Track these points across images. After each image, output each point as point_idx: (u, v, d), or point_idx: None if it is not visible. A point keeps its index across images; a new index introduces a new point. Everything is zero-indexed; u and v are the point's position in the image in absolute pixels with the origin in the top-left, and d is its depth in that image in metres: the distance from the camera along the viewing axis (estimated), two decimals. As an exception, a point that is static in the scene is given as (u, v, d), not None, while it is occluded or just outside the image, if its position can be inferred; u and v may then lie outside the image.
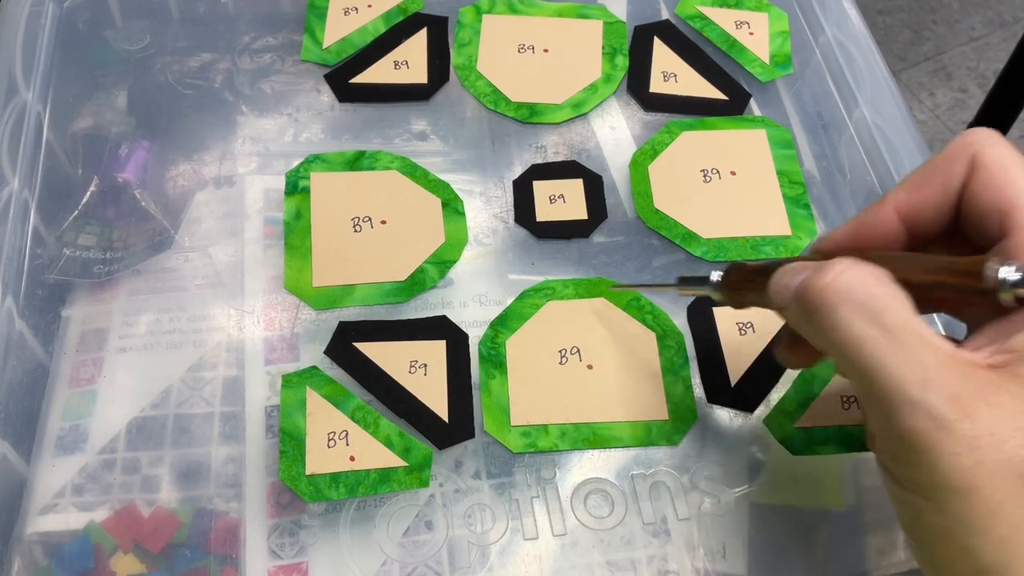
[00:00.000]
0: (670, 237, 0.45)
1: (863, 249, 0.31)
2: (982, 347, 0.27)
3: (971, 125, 1.02)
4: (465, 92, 0.50)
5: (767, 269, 0.32)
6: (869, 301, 0.26)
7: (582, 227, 0.46)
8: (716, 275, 0.35)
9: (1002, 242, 0.28)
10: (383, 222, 0.45)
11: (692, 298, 0.43)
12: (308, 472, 0.38)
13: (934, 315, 0.43)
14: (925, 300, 0.27)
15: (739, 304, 0.35)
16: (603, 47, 0.52)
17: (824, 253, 0.33)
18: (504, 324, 0.42)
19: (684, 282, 0.37)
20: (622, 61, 0.52)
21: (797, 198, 0.47)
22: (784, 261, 0.32)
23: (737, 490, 0.38)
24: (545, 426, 0.39)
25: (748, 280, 0.33)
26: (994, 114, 0.99)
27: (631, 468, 0.39)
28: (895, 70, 1.56)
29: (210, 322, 0.42)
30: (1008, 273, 0.26)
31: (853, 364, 0.26)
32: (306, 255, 0.43)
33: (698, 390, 0.41)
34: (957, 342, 0.28)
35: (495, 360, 0.41)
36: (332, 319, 0.42)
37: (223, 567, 0.36)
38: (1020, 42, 0.91)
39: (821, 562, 0.37)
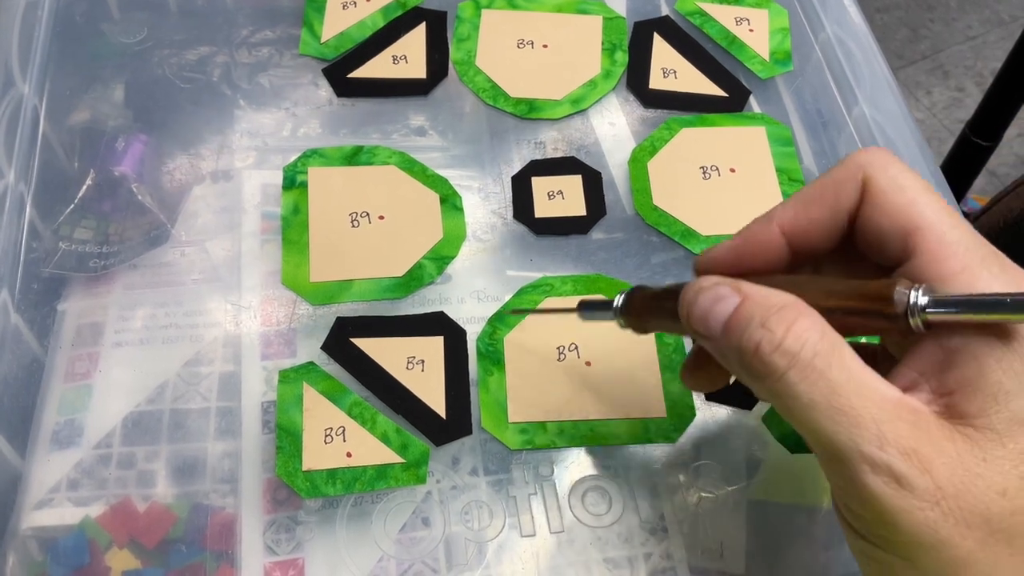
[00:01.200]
0: (669, 234, 0.45)
1: (745, 267, 0.31)
2: (918, 386, 0.26)
3: (969, 123, 1.02)
4: (464, 87, 0.50)
5: (671, 292, 0.31)
6: (816, 358, 0.25)
7: (581, 223, 0.45)
8: (619, 299, 0.34)
9: (906, 264, 0.27)
10: (381, 217, 0.44)
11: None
12: (305, 468, 0.37)
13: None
14: (833, 325, 0.27)
15: (642, 330, 0.34)
16: (603, 43, 0.52)
17: (704, 269, 0.32)
18: (502, 320, 0.42)
19: (585, 307, 0.36)
20: (622, 57, 0.52)
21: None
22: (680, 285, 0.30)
23: (735, 487, 0.38)
24: (543, 423, 0.39)
25: (652, 305, 0.32)
26: (991, 113, 0.99)
27: (629, 465, 0.39)
28: (892, 68, 1.56)
29: (207, 317, 0.42)
30: (917, 297, 0.25)
31: (805, 425, 0.26)
32: (303, 250, 0.43)
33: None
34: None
35: (493, 357, 0.41)
36: (329, 314, 0.42)
37: (219, 563, 0.36)
38: (1018, 41, 0.91)
39: (819, 560, 0.37)
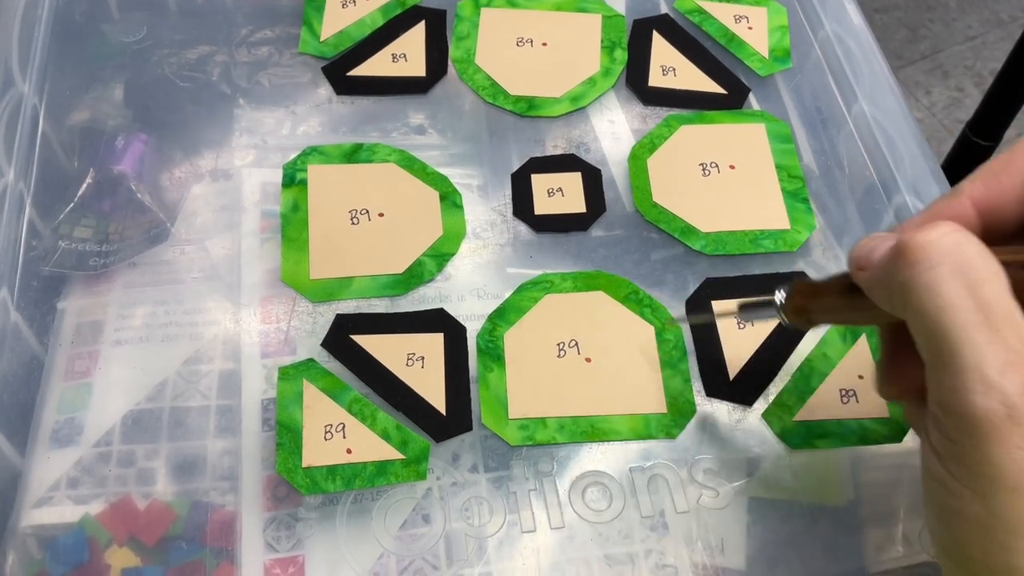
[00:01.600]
0: (669, 231, 0.45)
1: None
2: None
3: (970, 124, 1.01)
4: (463, 85, 0.50)
5: (829, 283, 0.31)
6: (969, 269, 0.25)
7: (580, 220, 0.45)
8: (780, 295, 0.34)
9: None
10: (381, 215, 0.44)
11: (688, 293, 0.43)
12: (305, 465, 0.37)
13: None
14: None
15: (806, 321, 0.33)
16: (602, 41, 0.52)
17: (860, 259, 0.31)
18: (502, 317, 0.42)
19: (746, 308, 0.36)
20: (621, 55, 0.52)
21: (796, 192, 0.46)
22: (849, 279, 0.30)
23: (736, 484, 0.38)
24: (543, 419, 0.39)
25: (815, 297, 0.32)
26: (991, 113, 0.99)
27: (629, 462, 0.39)
28: (892, 68, 1.56)
29: (206, 315, 0.42)
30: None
31: (937, 329, 0.25)
32: (303, 248, 0.43)
33: (697, 384, 0.41)
34: None
35: (493, 353, 0.41)
36: (329, 312, 0.42)
37: (219, 560, 0.36)
38: (1018, 41, 0.90)
39: (820, 557, 0.37)
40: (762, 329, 0.42)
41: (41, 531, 0.36)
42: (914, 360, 0.29)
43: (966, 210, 0.29)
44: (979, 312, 0.24)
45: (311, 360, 0.40)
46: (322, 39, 0.51)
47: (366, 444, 0.38)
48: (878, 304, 0.28)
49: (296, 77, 0.50)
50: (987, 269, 0.25)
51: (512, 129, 0.49)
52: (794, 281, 0.34)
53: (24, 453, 0.38)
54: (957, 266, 0.25)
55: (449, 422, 0.39)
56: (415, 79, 0.50)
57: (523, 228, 0.45)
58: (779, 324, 0.37)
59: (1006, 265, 0.26)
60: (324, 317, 0.42)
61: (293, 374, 0.40)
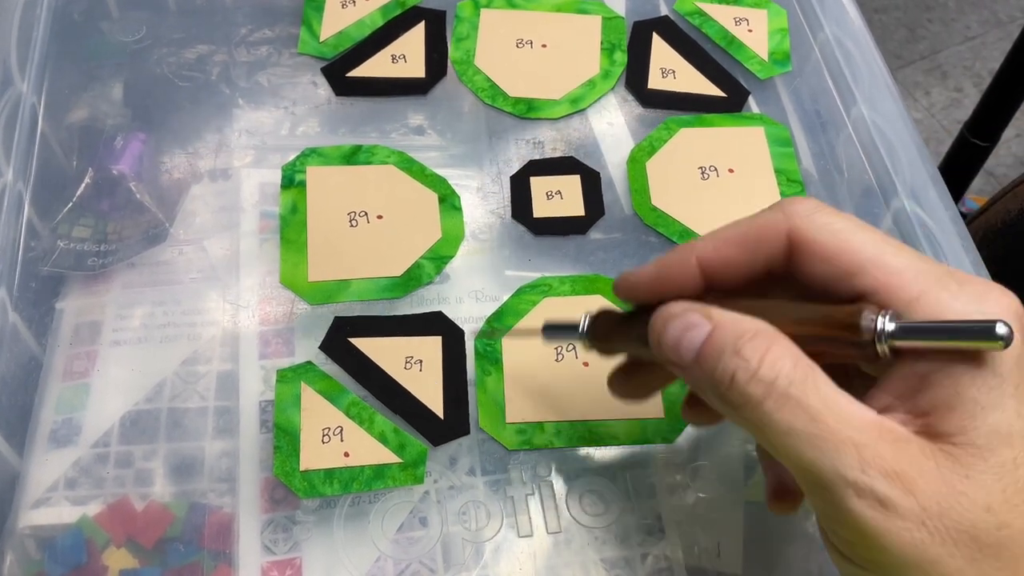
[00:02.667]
0: (667, 234, 0.45)
1: (662, 293, 0.30)
2: (894, 408, 0.26)
3: (967, 124, 1.02)
4: (463, 87, 0.50)
5: (636, 315, 0.31)
6: (792, 387, 0.25)
7: (579, 223, 0.45)
8: (584, 322, 0.33)
9: (860, 303, 0.27)
10: (379, 217, 0.44)
11: None
12: (302, 468, 0.37)
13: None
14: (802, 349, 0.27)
15: (608, 352, 0.33)
16: (602, 43, 0.52)
17: (624, 293, 0.32)
18: (500, 320, 0.42)
19: (549, 330, 0.35)
20: (620, 57, 0.52)
21: (794, 196, 0.46)
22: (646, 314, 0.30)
23: (732, 488, 0.38)
24: (540, 423, 0.39)
25: (619, 329, 0.32)
26: (989, 113, 0.99)
27: (626, 466, 0.39)
28: (891, 69, 1.56)
29: (205, 316, 0.42)
30: (884, 324, 0.25)
31: (785, 454, 0.25)
32: (302, 249, 0.43)
33: (694, 388, 0.41)
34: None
35: (491, 357, 0.41)
36: (327, 314, 0.42)
37: (216, 562, 0.36)
38: (1016, 41, 0.91)
39: (815, 560, 0.37)
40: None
41: (39, 532, 0.36)
42: (650, 375, 0.32)
43: (692, 269, 0.30)
44: (815, 427, 0.25)
45: (309, 363, 0.40)
46: (321, 39, 0.51)
47: (364, 447, 0.38)
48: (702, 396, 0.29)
49: (295, 77, 0.50)
50: (801, 375, 0.25)
51: (511, 131, 0.49)
52: (600, 310, 0.33)
53: (22, 454, 0.38)
54: (779, 394, 0.25)
55: (447, 426, 0.39)
56: (414, 80, 0.50)
57: (522, 231, 0.45)
58: None
59: (800, 339, 0.26)
60: (322, 319, 0.42)
61: (291, 377, 0.40)
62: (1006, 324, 0.24)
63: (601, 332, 0.33)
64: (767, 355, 0.26)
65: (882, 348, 0.25)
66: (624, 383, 0.35)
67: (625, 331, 0.32)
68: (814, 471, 0.25)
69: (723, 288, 0.31)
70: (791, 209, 0.29)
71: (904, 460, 0.24)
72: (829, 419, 0.25)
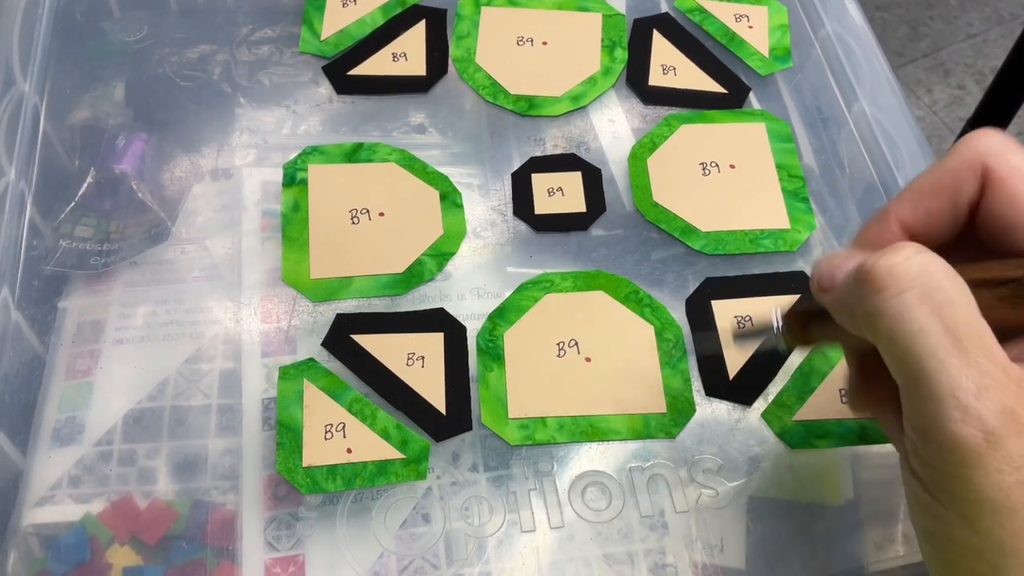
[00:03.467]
0: (669, 230, 0.45)
1: None
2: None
3: (969, 122, 1.01)
4: (464, 84, 0.50)
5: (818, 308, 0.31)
6: (937, 292, 0.24)
7: (580, 220, 0.45)
8: (776, 318, 0.33)
9: None
10: (381, 214, 0.45)
11: (688, 293, 0.43)
12: (305, 464, 0.37)
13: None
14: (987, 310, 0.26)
15: (805, 341, 0.33)
16: (602, 40, 0.52)
17: (830, 279, 0.30)
18: (502, 317, 0.42)
19: (741, 339, 0.37)
20: (621, 54, 0.52)
21: (796, 192, 0.47)
22: None
23: (735, 483, 0.38)
24: (543, 419, 0.39)
25: (812, 315, 0.32)
26: (992, 111, 0.99)
27: (629, 461, 0.39)
28: (893, 66, 1.56)
29: (207, 314, 0.42)
30: None
31: (908, 356, 0.24)
32: (304, 247, 0.43)
33: (696, 383, 0.41)
34: None
35: (493, 353, 0.41)
36: (329, 311, 0.42)
37: (220, 559, 0.36)
38: (1019, 39, 0.90)
39: (819, 556, 0.37)
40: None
41: (43, 530, 0.36)
42: (885, 377, 0.29)
43: (894, 234, 0.29)
44: (949, 336, 0.24)
45: (311, 360, 0.40)
46: (323, 38, 0.51)
47: (366, 443, 0.38)
48: (843, 327, 0.28)
49: (297, 76, 0.50)
50: (955, 290, 0.25)
51: (512, 128, 0.49)
52: (794, 303, 0.33)
53: (25, 452, 0.38)
54: (924, 290, 0.24)
55: (449, 421, 0.39)
56: (415, 78, 0.50)
57: (523, 227, 0.45)
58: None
59: (973, 285, 0.25)
60: (324, 316, 0.42)
61: (293, 374, 0.40)
62: None
63: (797, 322, 0.32)
64: (922, 254, 0.25)
65: None
66: (858, 397, 0.32)
67: (819, 315, 0.31)
68: (930, 381, 0.24)
69: (930, 246, 0.29)
70: (983, 146, 0.28)
71: (1022, 400, 0.24)
72: (964, 337, 0.24)
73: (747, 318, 0.42)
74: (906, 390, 0.25)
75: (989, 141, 0.28)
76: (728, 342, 0.42)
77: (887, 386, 0.29)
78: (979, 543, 0.24)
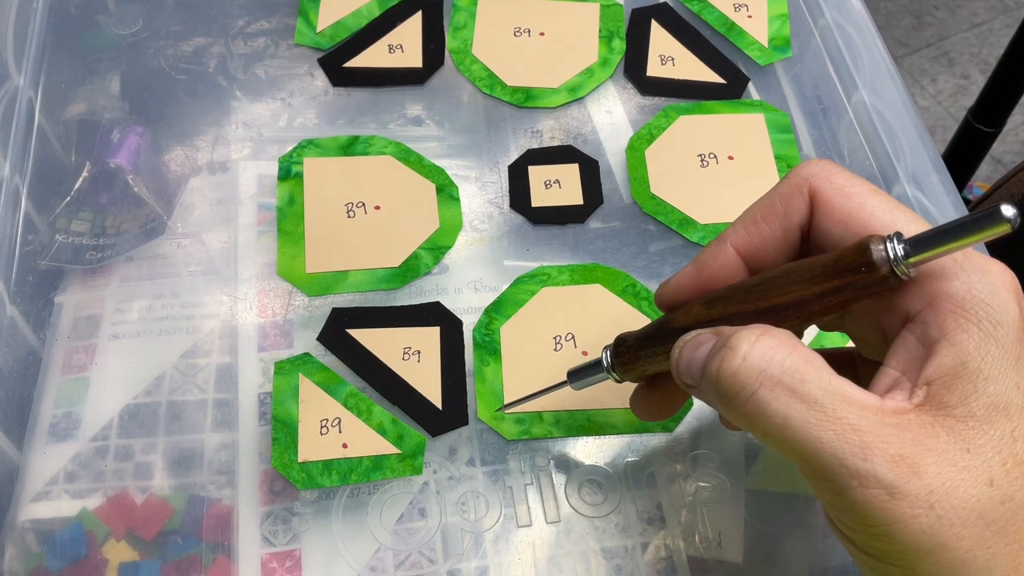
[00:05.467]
0: (667, 222, 0.45)
1: (705, 291, 0.30)
2: (897, 386, 0.26)
3: (972, 110, 1.01)
4: (460, 76, 0.50)
5: (654, 335, 0.31)
6: (786, 375, 0.25)
7: (578, 212, 0.45)
8: (606, 356, 0.33)
9: (865, 237, 0.27)
10: (377, 208, 0.44)
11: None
12: (300, 459, 0.37)
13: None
14: (829, 305, 0.27)
15: (638, 376, 0.33)
16: (600, 30, 0.52)
17: (667, 299, 0.32)
18: (498, 310, 0.42)
19: (575, 375, 0.35)
20: (619, 45, 0.51)
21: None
22: (664, 326, 0.30)
23: (733, 477, 0.38)
24: (539, 413, 0.39)
25: (639, 352, 0.32)
26: (995, 100, 0.98)
27: (626, 455, 0.39)
28: (896, 56, 1.55)
29: (203, 309, 0.42)
30: (895, 248, 0.25)
31: (785, 445, 0.25)
32: (299, 241, 0.43)
33: (694, 377, 0.41)
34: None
35: (489, 347, 0.41)
36: (325, 305, 0.42)
37: (216, 554, 0.36)
38: (1021, 26, 0.90)
39: (817, 549, 0.37)
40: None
41: (39, 525, 0.36)
42: (670, 391, 0.32)
43: (731, 257, 0.30)
44: (814, 413, 0.24)
45: (307, 354, 0.40)
46: (318, 30, 0.51)
47: (362, 439, 0.38)
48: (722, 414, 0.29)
49: (292, 68, 0.50)
50: (799, 365, 0.25)
51: (509, 120, 0.49)
52: (618, 336, 0.33)
53: (22, 448, 0.38)
54: (771, 381, 0.25)
55: (445, 416, 0.39)
56: (412, 70, 0.50)
57: (520, 220, 0.45)
58: None
59: (823, 297, 0.26)
60: (320, 311, 0.42)
61: (289, 369, 0.40)
62: (1012, 206, 0.23)
63: (626, 358, 0.33)
64: (757, 344, 0.25)
65: (901, 270, 0.25)
66: (645, 402, 0.34)
67: (648, 349, 0.31)
68: (815, 461, 0.24)
69: (767, 267, 0.30)
70: (808, 172, 0.29)
71: (907, 441, 0.24)
72: (827, 406, 0.24)
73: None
74: (803, 472, 0.26)
75: (816, 167, 0.29)
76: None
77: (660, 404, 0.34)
78: None
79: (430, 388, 0.39)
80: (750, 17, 0.53)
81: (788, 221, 0.29)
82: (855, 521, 0.25)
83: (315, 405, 0.39)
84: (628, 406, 0.39)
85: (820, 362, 0.25)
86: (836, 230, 0.28)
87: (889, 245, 0.25)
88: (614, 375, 0.33)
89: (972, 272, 0.26)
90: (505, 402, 0.39)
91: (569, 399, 0.39)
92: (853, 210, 0.28)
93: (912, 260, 0.25)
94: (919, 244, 0.25)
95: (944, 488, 0.24)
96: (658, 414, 0.34)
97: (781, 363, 0.25)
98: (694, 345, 0.28)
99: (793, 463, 0.26)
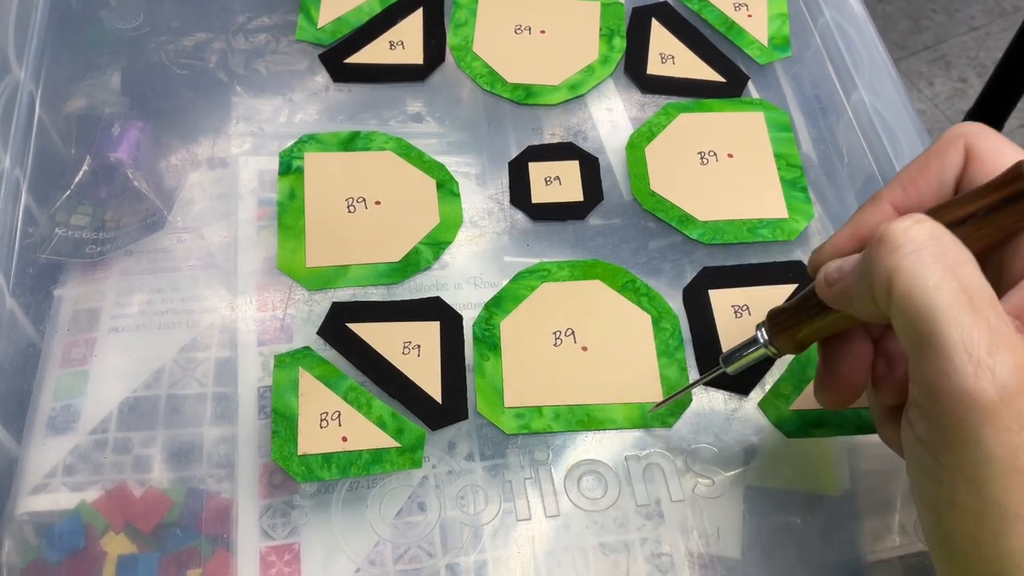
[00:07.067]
0: (666, 219, 0.45)
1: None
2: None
3: (970, 114, 1.01)
4: (461, 73, 0.50)
5: (809, 295, 0.31)
6: (949, 252, 0.25)
7: (578, 209, 0.45)
8: (762, 331, 0.34)
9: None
10: (377, 203, 0.44)
11: (685, 282, 0.43)
12: (300, 452, 0.37)
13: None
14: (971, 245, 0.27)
15: (796, 345, 0.33)
16: (601, 28, 0.52)
17: (824, 263, 0.32)
18: (499, 306, 0.42)
19: (729, 358, 0.35)
20: (620, 43, 0.51)
21: (794, 181, 0.46)
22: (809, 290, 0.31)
23: (731, 473, 0.38)
24: (539, 408, 0.39)
25: (797, 315, 0.32)
26: (992, 103, 0.99)
27: (625, 450, 0.39)
28: (894, 59, 1.55)
29: (203, 303, 0.42)
30: None
31: (923, 312, 0.24)
32: (300, 236, 0.43)
33: (693, 373, 0.41)
34: None
35: (489, 341, 0.41)
36: (325, 300, 0.42)
37: (215, 547, 0.36)
38: (1019, 30, 0.90)
39: (816, 546, 0.37)
40: (759, 318, 0.42)
41: (37, 518, 0.36)
42: (852, 365, 0.32)
43: (888, 215, 0.30)
44: (963, 293, 0.24)
45: (307, 348, 0.40)
46: (319, 26, 0.51)
47: (362, 432, 0.38)
48: (853, 311, 0.29)
49: (293, 64, 0.50)
50: (963, 253, 0.25)
51: (510, 117, 0.49)
52: (769, 312, 0.34)
53: (20, 440, 0.38)
54: (938, 249, 0.25)
55: (445, 410, 0.39)
56: (413, 66, 0.50)
57: (520, 216, 0.45)
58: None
59: (975, 217, 0.27)
60: (320, 305, 0.42)
61: (289, 362, 0.40)
62: None
63: (782, 321, 0.33)
64: (929, 222, 0.26)
65: None
66: (827, 387, 0.33)
67: (804, 312, 0.32)
68: (943, 335, 0.24)
69: None
70: (965, 130, 0.30)
71: None
72: (975, 295, 0.24)
73: (744, 307, 0.42)
74: (918, 349, 0.25)
75: (972, 127, 0.30)
76: (725, 334, 0.42)
77: (851, 376, 0.32)
78: (982, 508, 0.24)
79: (430, 382, 0.40)
80: (750, 16, 0.53)
81: (944, 175, 0.30)
82: (950, 413, 0.24)
83: (315, 398, 0.39)
84: (628, 401, 0.39)
85: (975, 263, 0.26)
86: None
87: None
88: (771, 348, 0.34)
89: None
90: (660, 398, 0.40)
91: (570, 394, 0.39)
92: (1006, 163, 0.28)
93: None
94: None
95: None
96: (845, 394, 0.33)
97: (948, 245, 0.25)
98: (849, 258, 0.29)
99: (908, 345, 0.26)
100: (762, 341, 0.34)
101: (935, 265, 0.25)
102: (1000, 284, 0.28)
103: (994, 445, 0.23)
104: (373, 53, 0.50)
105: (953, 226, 0.27)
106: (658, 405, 0.39)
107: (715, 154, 0.47)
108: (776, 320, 0.33)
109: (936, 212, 0.28)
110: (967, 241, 0.27)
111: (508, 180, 0.46)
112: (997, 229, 0.27)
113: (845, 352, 0.32)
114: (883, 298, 0.26)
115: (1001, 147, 0.29)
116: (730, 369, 0.36)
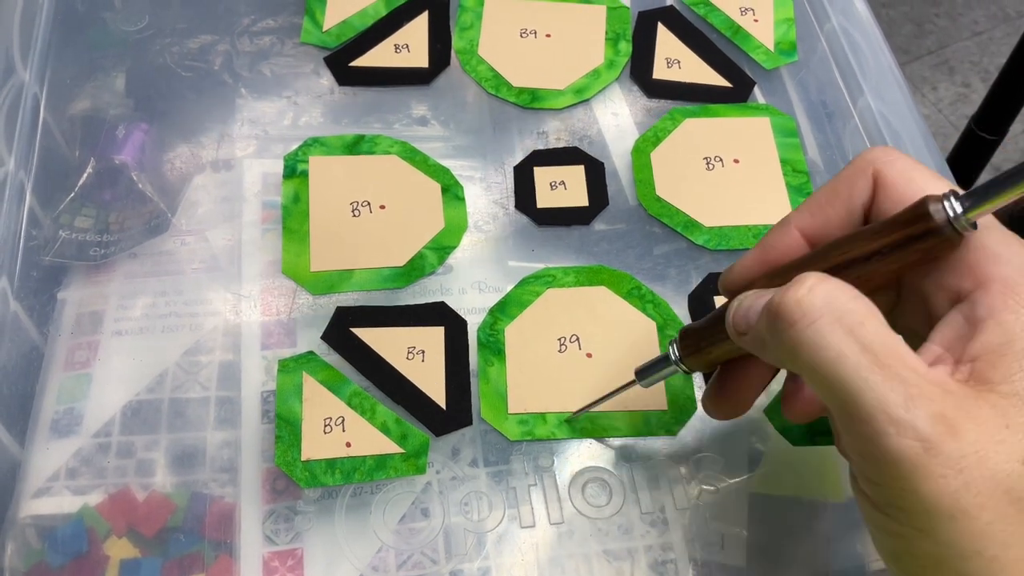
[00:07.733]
0: (672, 225, 0.45)
1: (770, 275, 0.31)
2: (941, 362, 0.26)
3: (973, 119, 1.01)
4: (466, 77, 0.50)
5: (717, 317, 0.31)
6: (846, 315, 0.25)
7: (583, 214, 0.45)
8: (672, 348, 0.34)
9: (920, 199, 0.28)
10: (382, 207, 0.44)
11: (691, 288, 0.43)
12: (304, 458, 0.37)
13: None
14: (878, 279, 0.27)
15: (706, 364, 0.33)
16: (606, 32, 0.52)
17: (732, 284, 0.32)
18: (503, 311, 0.42)
19: (643, 373, 0.36)
20: (625, 47, 0.51)
21: (800, 187, 0.46)
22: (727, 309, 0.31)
23: (736, 480, 0.38)
24: (543, 414, 0.39)
25: (704, 336, 0.32)
26: (996, 108, 0.98)
27: (629, 457, 0.39)
28: (898, 63, 1.55)
29: (207, 306, 0.42)
30: (952, 204, 0.26)
31: (832, 382, 0.25)
32: (304, 239, 0.43)
33: (698, 380, 0.41)
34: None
35: (494, 347, 0.41)
36: (330, 304, 0.42)
37: (217, 552, 0.36)
38: (1022, 36, 0.90)
39: (820, 554, 0.37)
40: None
41: (40, 521, 0.36)
42: (749, 385, 0.33)
43: (796, 239, 0.31)
44: (867, 354, 0.25)
45: (311, 353, 0.40)
46: (324, 29, 0.51)
47: (365, 438, 0.38)
48: (768, 362, 0.29)
49: (298, 67, 0.50)
50: (862, 310, 0.25)
51: (515, 121, 0.49)
52: (680, 330, 0.34)
53: (23, 443, 0.38)
54: (834, 315, 0.25)
55: (449, 416, 0.39)
56: (418, 70, 0.50)
57: (525, 221, 0.45)
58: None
59: (882, 253, 0.27)
60: (324, 309, 0.42)
61: (293, 367, 0.39)
62: None
63: (690, 343, 0.33)
64: (824, 282, 0.26)
65: (961, 224, 0.26)
66: (717, 400, 0.34)
67: (712, 332, 0.32)
68: (857, 402, 0.24)
69: None
70: (872, 156, 0.30)
71: (950, 404, 0.24)
72: (880, 353, 0.25)
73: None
74: (838, 415, 0.26)
75: (880, 152, 0.30)
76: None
77: (753, 393, 0.34)
78: (940, 552, 0.25)
79: (434, 388, 0.39)
80: (756, 21, 0.53)
81: (852, 203, 0.30)
82: (882, 472, 0.25)
83: (319, 403, 0.38)
84: (632, 409, 0.39)
85: (879, 315, 0.26)
86: (895, 210, 0.28)
87: (946, 202, 0.26)
88: (682, 366, 0.34)
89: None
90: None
91: (574, 401, 0.39)
92: (914, 192, 0.28)
93: (970, 215, 0.25)
94: (976, 196, 0.25)
95: (977, 456, 0.24)
96: (732, 409, 0.34)
97: (844, 303, 0.25)
98: (755, 296, 0.29)
99: (829, 410, 0.26)
100: (673, 359, 0.34)
101: (833, 336, 0.25)
102: (927, 319, 0.28)
103: (932, 495, 0.24)
104: (378, 56, 0.50)
105: (858, 262, 0.27)
106: (576, 413, 0.39)
107: (721, 159, 0.47)
108: (687, 340, 0.33)
109: (841, 246, 0.28)
110: (873, 276, 0.27)
111: (513, 184, 0.46)
112: (904, 265, 0.27)
113: (745, 373, 0.33)
114: (792, 368, 0.27)
115: (911, 175, 0.29)
116: (643, 384, 0.36)
